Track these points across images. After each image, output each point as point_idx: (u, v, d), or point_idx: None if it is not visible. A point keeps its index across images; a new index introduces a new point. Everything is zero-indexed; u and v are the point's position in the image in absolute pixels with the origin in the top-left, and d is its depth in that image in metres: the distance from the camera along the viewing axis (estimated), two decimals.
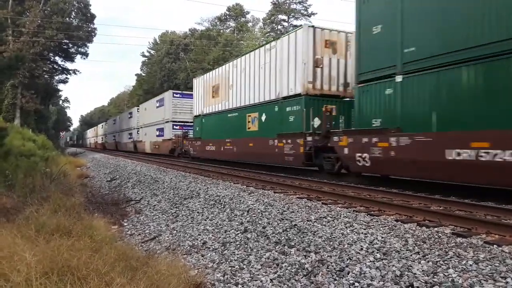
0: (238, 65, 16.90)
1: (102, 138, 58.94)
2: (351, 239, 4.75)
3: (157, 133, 29.34)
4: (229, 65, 18.12)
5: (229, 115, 17.65)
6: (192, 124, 24.72)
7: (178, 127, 26.23)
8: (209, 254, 5.21)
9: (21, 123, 34.05)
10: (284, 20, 52.58)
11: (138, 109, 38.01)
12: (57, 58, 44.60)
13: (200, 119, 21.22)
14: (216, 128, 18.94)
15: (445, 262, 3.84)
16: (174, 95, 27.22)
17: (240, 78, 16.60)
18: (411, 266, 3.80)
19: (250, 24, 57.82)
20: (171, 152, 25.41)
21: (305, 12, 51.61)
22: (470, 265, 3.70)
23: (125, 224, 7.70)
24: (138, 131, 36.33)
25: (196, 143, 21.42)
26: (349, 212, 6.29)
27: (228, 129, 17.51)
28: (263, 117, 14.68)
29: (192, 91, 26.58)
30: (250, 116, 15.65)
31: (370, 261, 4.04)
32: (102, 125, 60.40)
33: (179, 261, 4.78)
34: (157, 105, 30.15)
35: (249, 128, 15.69)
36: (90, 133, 79.57)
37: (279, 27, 52.30)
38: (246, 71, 16.02)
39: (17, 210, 6.26)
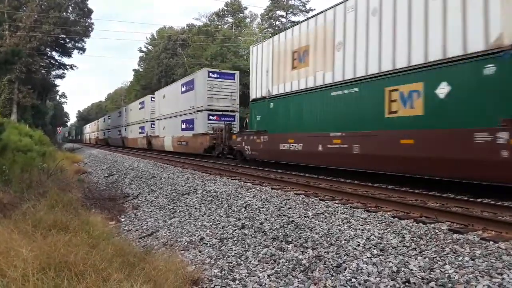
0: (361, 5, 10.15)
1: (104, 133, 53.25)
2: (348, 235, 4.77)
3: (183, 126, 22.73)
4: (333, 11, 11.17)
5: (333, 93, 10.92)
6: (232, 114, 20.23)
7: (214, 118, 19.85)
8: (206, 250, 5.21)
9: (18, 118, 33.88)
10: (282, 16, 52.45)
11: (152, 97, 31.25)
12: (54, 53, 44.31)
13: (264, 104, 14.62)
14: (303, 115, 12.39)
15: (442, 258, 3.86)
16: (210, 75, 20.03)
17: (365, 27, 9.93)
18: (407, 262, 3.82)
19: (248, 20, 57.72)
20: (207, 151, 19.43)
21: (303, 8, 51.50)
22: (467, 261, 3.73)
23: (123, 219, 7.69)
24: (152, 124, 30.09)
25: (257, 139, 14.74)
26: (346, 209, 6.31)
27: (333, 116, 11.03)
28: (442, 90, 8.06)
29: (232, 71, 22.04)
30: (396, 91, 9.01)
31: (367, 257, 4.06)
32: (104, 119, 54.86)
33: (177, 257, 4.79)
34: (183, 89, 23.18)
35: (393, 113, 9.08)
36: (89, 127, 73.78)
37: (277, 23, 52.17)
38: (384, 12, 9.45)
39: (13, 205, 6.24)
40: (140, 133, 33.58)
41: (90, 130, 70.22)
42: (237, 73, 20.79)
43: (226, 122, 19.13)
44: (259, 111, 15.18)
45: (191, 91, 21.75)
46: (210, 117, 19.88)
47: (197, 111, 20.57)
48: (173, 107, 24.76)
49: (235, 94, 20.36)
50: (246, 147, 15.64)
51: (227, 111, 20.19)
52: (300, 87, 12.59)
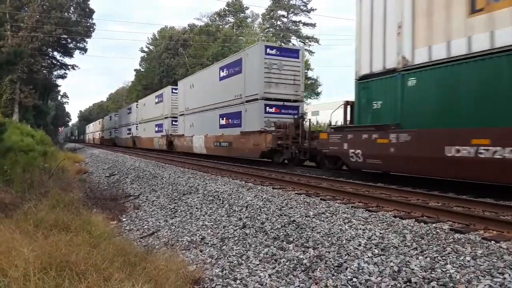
0: None
1: (110, 132, 49.48)
2: (350, 235, 4.76)
3: (223, 121, 17.95)
4: None
5: None
6: (295, 104, 15.32)
7: (273, 110, 14.89)
8: (207, 250, 5.22)
9: (20, 118, 33.96)
10: (283, 16, 52.49)
11: (174, 88, 26.48)
12: (55, 53, 44.40)
13: (391, 82, 9.32)
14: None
15: (443, 258, 3.86)
16: (268, 51, 14.94)
17: None
18: (409, 262, 3.81)
19: (249, 20, 57.71)
20: (266, 155, 14.65)
21: (305, 8, 51.52)
22: (468, 261, 3.72)
23: (124, 219, 7.70)
24: (174, 120, 25.73)
25: (379, 139, 9.21)
26: (347, 208, 6.31)
27: None
28: None
29: (294, 46, 16.06)
30: None
31: (368, 257, 4.05)
32: (111, 117, 50.99)
33: (178, 256, 4.79)
34: (223, 74, 18.05)
35: None
36: (92, 127, 69.90)
37: (278, 23, 52.21)
38: None
39: (15, 205, 6.26)
40: (157, 131, 28.64)
41: (94, 130, 66.53)
42: (301, 49, 15.86)
43: (296, 115, 14.50)
44: (379, 94, 9.74)
45: (237, 75, 16.58)
46: (268, 108, 14.82)
47: (248, 101, 15.59)
48: (206, 99, 19.81)
49: (299, 78, 15.45)
50: (352, 151, 9.99)
51: (289, 100, 15.26)
52: (497, 43, 7.22)
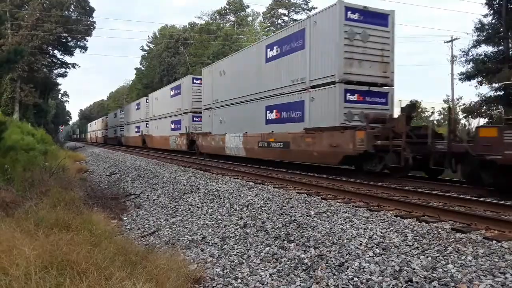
0: None
1: (115, 130, 46.27)
2: (351, 234, 4.76)
3: (272, 115, 13.99)
4: None
5: None
6: (383, 91, 11.37)
7: (355, 98, 10.78)
8: (208, 249, 5.21)
9: (20, 117, 33.96)
10: (284, 15, 52.43)
11: (195, 78, 22.28)
12: (56, 51, 44.36)
13: None
14: None
15: (444, 257, 3.85)
16: (350, 15, 10.75)
17: None
18: (410, 261, 3.81)
19: (250, 19, 57.63)
20: (351, 161, 10.82)
21: (305, 6, 51.46)
22: (469, 261, 3.72)
23: (125, 218, 7.71)
24: (195, 117, 21.91)
25: None
26: (348, 207, 6.30)
27: None
28: None
29: (383, 9, 11.32)
30: None
31: (370, 256, 4.05)
32: (115, 114, 47.64)
33: (179, 255, 4.79)
34: (272, 54, 13.99)
35: None
36: (94, 125, 66.86)
37: (279, 21, 52.15)
38: None
39: (16, 204, 6.26)
40: (173, 129, 24.71)
41: (96, 128, 63.42)
42: (392, 13, 11.38)
43: (386, 105, 11.15)
44: None
45: (297, 53, 12.49)
46: (348, 95, 10.76)
47: (315, 86, 11.60)
48: (245, 87, 15.71)
49: (388, 54, 11.30)
50: None
51: (375, 84, 11.15)
52: None
